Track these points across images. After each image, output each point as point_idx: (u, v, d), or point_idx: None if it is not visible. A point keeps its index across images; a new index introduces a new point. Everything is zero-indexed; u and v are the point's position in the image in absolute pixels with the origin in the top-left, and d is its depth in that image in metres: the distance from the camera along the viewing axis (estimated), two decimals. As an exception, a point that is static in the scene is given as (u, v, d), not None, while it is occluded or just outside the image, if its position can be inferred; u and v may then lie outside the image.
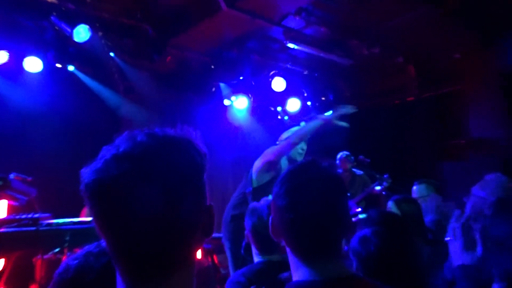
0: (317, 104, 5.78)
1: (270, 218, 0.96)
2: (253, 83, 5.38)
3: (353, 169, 4.70)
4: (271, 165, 2.81)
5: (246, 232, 1.77)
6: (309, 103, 5.87)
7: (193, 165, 0.68)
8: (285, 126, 6.24)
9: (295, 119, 5.86)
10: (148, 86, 4.88)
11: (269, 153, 2.84)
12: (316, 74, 5.67)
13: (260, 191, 2.77)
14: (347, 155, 4.80)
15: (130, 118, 4.80)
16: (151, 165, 0.64)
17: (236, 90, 5.38)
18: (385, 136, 5.68)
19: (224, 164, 5.63)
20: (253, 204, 1.82)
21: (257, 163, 2.86)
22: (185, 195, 0.64)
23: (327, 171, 0.91)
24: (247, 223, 1.76)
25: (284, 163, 2.93)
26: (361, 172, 4.70)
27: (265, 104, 5.71)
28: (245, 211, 1.77)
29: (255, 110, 5.63)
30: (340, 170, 4.81)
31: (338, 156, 4.81)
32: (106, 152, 0.67)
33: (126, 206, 0.62)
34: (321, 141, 3.79)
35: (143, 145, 0.67)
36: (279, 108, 5.95)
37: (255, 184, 2.85)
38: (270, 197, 2.89)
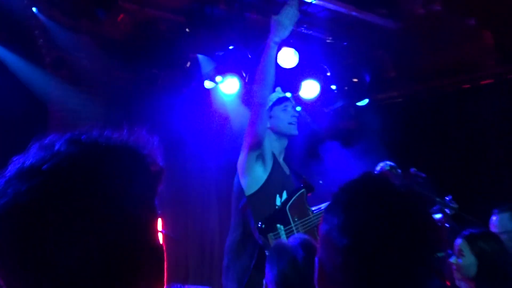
0: (345, 88, 5.81)
1: (317, 261, 1.03)
2: (249, 56, 5.40)
3: None
4: (254, 149, 3.18)
5: (266, 282, 1.88)
6: (333, 86, 5.90)
7: (132, 187, 0.72)
8: (298, 121, 6.34)
9: (312, 110, 5.96)
10: (90, 58, 4.89)
11: (245, 138, 3.25)
12: (345, 43, 5.66)
13: (259, 197, 3.13)
14: (391, 167, 4.79)
15: (61, 108, 4.82)
16: (66, 187, 0.68)
17: (223, 67, 5.39)
18: (446, 137, 5.73)
19: (205, 174, 5.70)
20: (279, 243, 2.00)
21: (240, 162, 3.25)
22: (113, 230, 0.68)
23: (412, 197, 1.00)
24: (270, 271, 1.87)
25: (274, 144, 3.35)
26: None
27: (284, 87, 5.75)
28: (253, 255, 1.69)
29: (252, 96, 5.69)
30: None
31: (378, 168, 4.82)
32: (13, 166, 0.72)
33: (26, 244, 0.65)
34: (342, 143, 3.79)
35: (59, 157, 0.71)
36: (288, 94, 5.98)
37: (248, 191, 3.17)
38: (295, 230, 3.15)
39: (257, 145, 3.26)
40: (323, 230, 1.08)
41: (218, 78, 5.38)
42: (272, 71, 3.27)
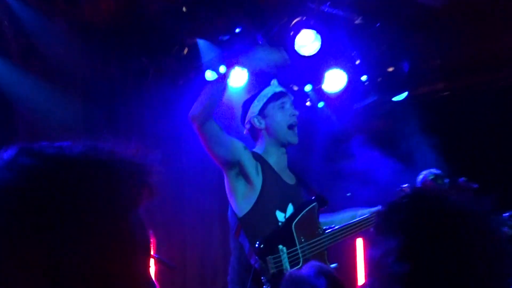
0: (379, 79, 5.80)
1: None
2: (260, 41, 5.38)
3: None
4: (228, 169, 3.28)
5: None
6: (364, 77, 5.89)
7: (106, 212, 0.77)
8: (320, 119, 6.24)
9: (337, 106, 5.99)
10: (66, 47, 4.87)
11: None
12: (377, 24, 5.61)
13: (254, 216, 3.19)
14: (436, 176, 4.81)
15: (31, 108, 4.81)
16: (21, 207, 0.73)
17: (228, 54, 5.30)
18: (506, 140, 5.70)
19: (206, 186, 5.68)
20: (293, 274, 2.06)
21: (225, 182, 3.36)
22: (80, 261, 0.73)
23: (481, 216, 1.09)
24: None
25: (270, 151, 3.42)
26: None
27: (281, 80, 5.68)
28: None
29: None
30: None
31: (421, 177, 4.82)
32: None
33: None
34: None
35: (17, 172, 0.77)
36: (308, 87, 6.00)
37: (240, 213, 3.24)
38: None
39: (227, 165, 3.29)
40: (373, 256, 1.12)
41: (222, 69, 5.11)
42: (215, 101, 3.31)
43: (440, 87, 6.24)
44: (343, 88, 5.78)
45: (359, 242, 6.31)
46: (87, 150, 0.85)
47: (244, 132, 3.58)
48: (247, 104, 3.57)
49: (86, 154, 0.83)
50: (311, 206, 3.38)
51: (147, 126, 5.40)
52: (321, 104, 6.04)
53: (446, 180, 4.76)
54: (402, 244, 1.11)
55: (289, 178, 3.49)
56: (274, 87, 3.59)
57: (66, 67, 4.90)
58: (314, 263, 2.13)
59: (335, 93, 5.83)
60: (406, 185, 3.91)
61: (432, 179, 4.72)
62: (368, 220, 3.56)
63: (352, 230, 3.49)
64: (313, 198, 3.47)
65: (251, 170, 3.31)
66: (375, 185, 5.26)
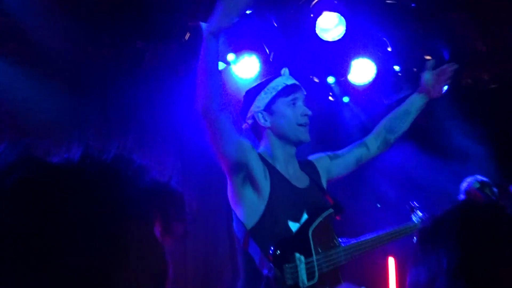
0: (414, 69, 5.76)
1: None
2: (275, 24, 5.42)
3: None
4: (235, 173, 3.23)
5: None
6: (396, 67, 5.90)
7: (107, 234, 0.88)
8: (345, 116, 6.20)
9: (365, 101, 6.05)
10: (50, 28, 4.81)
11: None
12: (413, 4, 5.58)
13: (265, 227, 3.17)
14: (482, 184, 4.90)
15: (8, 99, 4.81)
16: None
17: (237, 40, 5.43)
18: None
19: (212, 190, 5.65)
20: None
21: (228, 190, 3.33)
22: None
23: None
24: None
25: (277, 152, 3.35)
26: None
27: (300, 70, 5.65)
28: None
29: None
30: None
31: (464, 185, 4.94)
32: None
33: None
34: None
35: (20, 187, 0.88)
36: (331, 79, 6.03)
37: (249, 224, 3.21)
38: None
39: (235, 168, 3.21)
40: (417, 277, 1.12)
41: (231, 57, 5.40)
42: (213, 71, 3.15)
43: (485, 78, 6.23)
44: (371, 80, 5.81)
45: (391, 262, 6.25)
46: (100, 162, 0.94)
47: (243, 126, 3.50)
48: (251, 95, 3.46)
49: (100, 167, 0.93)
50: (328, 212, 3.35)
51: (144, 120, 5.40)
52: (346, 99, 6.09)
53: (495, 189, 4.90)
54: (455, 261, 1.13)
55: (300, 181, 3.43)
56: (285, 78, 3.48)
57: (49, 51, 4.87)
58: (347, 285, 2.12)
59: (362, 86, 5.86)
60: (415, 204, 3.89)
61: (478, 188, 4.83)
62: (392, 234, 3.56)
63: (374, 244, 3.48)
64: (329, 204, 3.44)
65: (259, 175, 3.26)
66: (411, 190, 5.28)
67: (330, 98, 6.10)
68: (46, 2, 4.74)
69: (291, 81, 3.44)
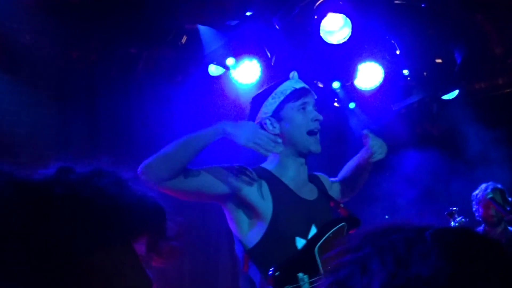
0: (424, 73, 5.78)
1: None
2: (277, 26, 5.35)
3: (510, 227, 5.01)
4: (226, 203, 3.16)
5: None
6: (405, 71, 5.87)
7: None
8: (351, 123, 6.20)
9: (372, 106, 5.99)
10: (36, 32, 4.78)
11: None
12: (423, 5, 5.51)
13: (267, 245, 3.08)
14: (496, 191, 4.88)
15: None
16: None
17: (237, 44, 5.44)
18: None
19: (210, 208, 5.45)
20: None
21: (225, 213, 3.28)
22: None
23: None
24: None
25: (286, 163, 3.24)
26: None
27: (304, 75, 5.90)
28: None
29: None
30: (481, 228, 5.03)
31: (477, 192, 4.96)
32: None
33: None
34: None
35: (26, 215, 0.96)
36: (336, 84, 6.00)
37: (250, 244, 3.14)
38: None
39: (221, 200, 3.13)
40: None
41: (230, 61, 5.41)
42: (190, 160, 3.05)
43: (499, 83, 6.15)
44: (379, 85, 5.79)
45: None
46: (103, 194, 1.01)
47: None
48: (258, 101, 3.31)
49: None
50: (339, 226, 3.17)
51: (136, 131, 5.34)
52: (352, 105, 6.05)
53: (510, 199, 4.91)
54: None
55: (309, 193, 3.28)
56: (294, 82, 3.33)
57: (35, 57, 4.83)
58: None
59: (369, 91, 5.84)
60: (454, 208, 3.84)
61: (490, 198, 4.80)
62: None
63: None
64: (341, 216, 3.30)
65: (254, 198, 3.13)
66: (422, 201, 5.34)
67: (336, 104, 6.10)
68: (29, 3, 4.67)
69: (300, 84, 3.29)
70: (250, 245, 3.12)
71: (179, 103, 5.35)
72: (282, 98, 3.24)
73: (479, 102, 5.99)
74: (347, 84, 5.91)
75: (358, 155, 3.56)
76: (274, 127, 3.18)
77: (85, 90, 5.20)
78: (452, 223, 3.66)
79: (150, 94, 5.34)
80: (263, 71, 5.51)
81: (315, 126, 3.21)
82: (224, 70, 5.42)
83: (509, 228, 4.96)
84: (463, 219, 3.69)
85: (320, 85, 5.95)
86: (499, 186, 4.92)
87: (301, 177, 3.28)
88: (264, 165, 3.23)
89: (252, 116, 3.29)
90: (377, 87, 5.78)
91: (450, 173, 5.55)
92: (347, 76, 5.86)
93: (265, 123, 3.21)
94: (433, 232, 1.14)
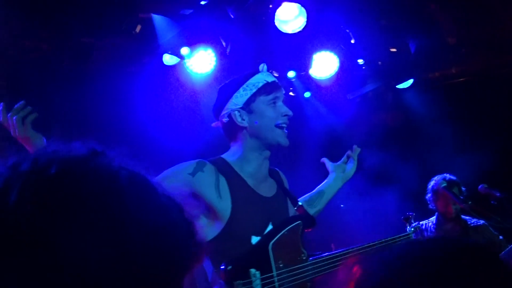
0: (379, 62, 5.82)
1: None
2: (232, 15, 5.34)
3: (464, 217, 5.06)
4: None
5: None
6: (360, 61, 5.91)
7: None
8: (306, 113, 6.20)
9: (328, 96, 6.02)
10: None
11: None
12: None
13: (222, 240, 3.08)
14: (450, 183, 4.92)
15: None
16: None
17: (191, 33, 5.41)
18: None
19: None
20: None
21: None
22: None
23: None
24: None
25: (250, 156, 3.23)
26: (481, 222, 5.07)
27: (258, 64, 5.89)
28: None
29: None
30: (434, 218, 5.07)
31: (431, 184, 4.99)
32: None
33: None
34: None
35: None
36: (291, 73, 6.02)
37: (206, 237, 3.08)
38: None
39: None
40: None
41: (185, 51, 5.39)
42: None
43: (452, 72, 6.23)
44: (334, 74, 5.81)
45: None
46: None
47: (213, 125, 3.31)
48: (227, 91, 3.26)
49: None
50: (294, 224, 3.19)
51: (89, 123, 5.27)
52: (307, 94, 6.07)
53: (463, 188, 4.96)
54: None
55: (268, 190, 3.27)
56: (266, 75, 3.30)
57: None
58: None
59: (325, 80, 5.86)
60: (411, 213, 3.76)
61: (444, 186, 4.86)
62: (372, 246, 3.40)
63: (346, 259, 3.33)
64: (297, 215, 3.29)
65: (211, 198, 3.09)
66: (379, 194, 5.34)
67: (291, 93, 6.10)
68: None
69: (271, 78, 3.26)
70: (206, 238, 3.03)
71: (133, 94, 5.31)
72: (254, 90, 3.21)
73: (433, 91, 6.05)
74: (302, 73, 5.93)
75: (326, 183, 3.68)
76: (242, 120, 3.17)
77: (37, 80, 5.09)
78: (408, 228, 3.66)
79: (103, 84, 5.26)
80: (218, 61, 5.50)
81: (284, 121, 3.20)
82: (178, 59, 5.42)
83: (462, 216, 5.03)
84: (419, 224, 3.71)
85: (275, 74, 5.83)
86: (453, 177, 4.96)
87: (262, 172, 3.27)
88: (225, 156, 3.19)
89: (220, 106, 3.25)
90: (332, 77, 5.81)
91: (404, 162, 5.58)
92: (303, 65, 5.87)
93: (234, 115, 3.18)
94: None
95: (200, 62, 5.51)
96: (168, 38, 5.31)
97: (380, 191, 5.48)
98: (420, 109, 5.78)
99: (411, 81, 5.87)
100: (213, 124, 3.31)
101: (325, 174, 5.16)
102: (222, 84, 3.32)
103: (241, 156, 3.19)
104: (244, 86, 3.20)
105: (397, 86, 5.93)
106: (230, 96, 3.21)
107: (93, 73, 5.27)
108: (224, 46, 5.55)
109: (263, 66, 3.27)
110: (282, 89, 3.28)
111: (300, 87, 6.08)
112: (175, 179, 3.03)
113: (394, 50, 5.70)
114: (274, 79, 3.25)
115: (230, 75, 5.70)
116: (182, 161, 3.58)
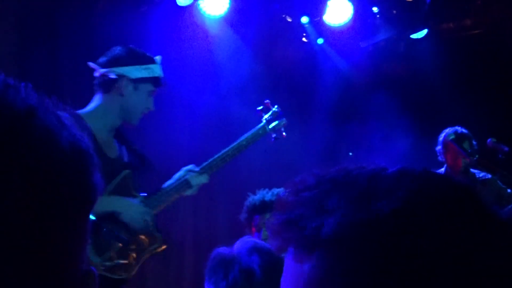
0: (394, 11, 5.76)
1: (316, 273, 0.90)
2: None
3: (473, 170, 5.02)
4: None
5: None
6: (375, 9, 5.85)
7: None
8: (319, 58, 6.17)
9: (341, 43, 6.00)
10: None
11: None
12: None
13: None
14: (460, 136, 4.88)
15: None
16: None
17: None
18: None
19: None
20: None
21: None
22: None
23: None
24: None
25: (106, 120, 3.43)
26: (490, 176, 5.02)
27: (272, 9, 5.77)
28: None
29: (249, 21, 5.85)
30: (443, 170, 5.00)
31: (441, 136, 4.96)
32: None
33: None
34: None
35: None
36: (305, 19, 5.93)
37: None
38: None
39: None
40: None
41: None
42: None
43: (467, 24, 6.14)
44: (348, 21, 5.77)
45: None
46: None
47: (96, 73, 3.46)
48: (132, 56, 3.51)
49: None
50: (123, 175, 3.48)
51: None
52: (320, 41, 6.02)
53: (474, 142, 4.88)
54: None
55: (112, 151, 3.53)
56: (160, 69, 3.60)
57: None
58: (247, 239, 2.27)
59: (338, 27, 5.81)
60: (267, 100, 3.93)
61: (452, 139, 4.81)
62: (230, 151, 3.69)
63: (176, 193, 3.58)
64: (126, 162, 3.56)
65: None
66: (390, 146, 5.32)
67: (304, 39, 6.05)
68: None
69: (162, 74, 3.58)
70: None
71: (144, 35, 5.25)
72: (150, 75, 3.47)
73: (447, 42, 6.00)
74: (315, 19, 5.87)
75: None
76: (125, 88, 3.40)
77: (46, 20, 5.04)
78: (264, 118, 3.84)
79: (113, 24, 5.19)
80: (231, 3, 5.48)
81: (145, 112, 3.53)
82: (192, 0, 5.37)
83: (471, 170, 5.01)
84: (277, 109, 3.78)
85: (289, 19, 5.93)
86: (465, 131, 4.91)
87: (111, 135, 3.54)
88: (84, 110, 3.41)
89: (116, 61, 3.46)
90: (346, 24, 5.76)
91: (415, 115, 5.56)
92: (317, 11, 5.81)
93: (121, 80, 3.41)
94: (398, 169, 1.08)
95: (214, 4, 5.47)
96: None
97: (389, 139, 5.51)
98: (433, 60, 5.76)
99: (425, 31, 5.80)
100: (96, 73, 3.48)
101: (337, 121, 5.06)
102: (132, 46, 3.55)
103: (100, 114, 3.44)
104: (146, 66, 3.45)
105: (410, 36, 5.90)
106: (132, 63, 3.43)
107: (103, 12, 5.21)
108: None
109: (159, 59, 3.55)
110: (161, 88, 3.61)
111: (313, 33, 6.04)
112: None
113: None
114: (161, 75, 3.55)
115: (243, 19, 5.69)
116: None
